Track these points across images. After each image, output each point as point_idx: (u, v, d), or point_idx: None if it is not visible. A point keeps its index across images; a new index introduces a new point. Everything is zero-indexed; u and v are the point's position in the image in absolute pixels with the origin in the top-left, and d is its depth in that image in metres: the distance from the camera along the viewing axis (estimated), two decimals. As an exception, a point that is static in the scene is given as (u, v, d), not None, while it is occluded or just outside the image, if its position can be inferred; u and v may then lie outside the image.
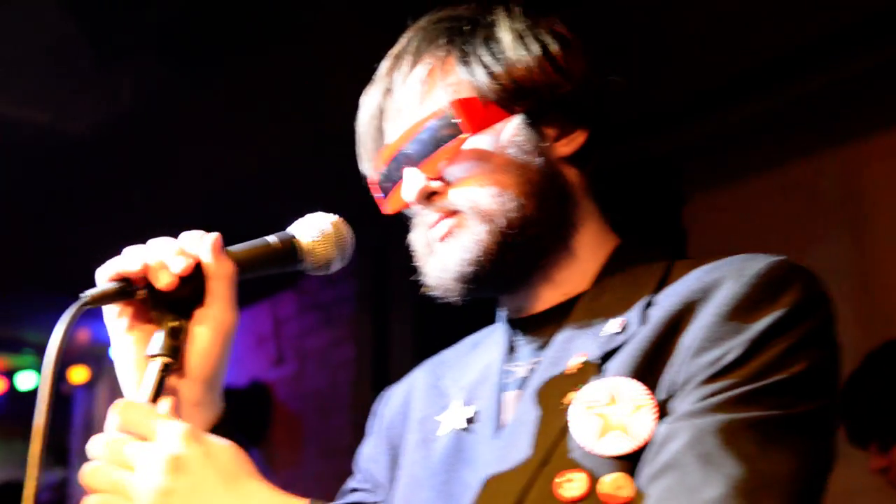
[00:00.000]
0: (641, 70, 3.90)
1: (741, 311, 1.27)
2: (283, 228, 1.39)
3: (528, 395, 1.37)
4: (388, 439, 1.62)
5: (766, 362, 1.23)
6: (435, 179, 1.44)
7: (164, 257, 1.25)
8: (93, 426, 8.63)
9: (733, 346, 1.25)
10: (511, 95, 1.44)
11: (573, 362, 1.35)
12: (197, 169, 5.10)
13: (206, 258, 1.27)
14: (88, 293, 1.21)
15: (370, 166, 1.54)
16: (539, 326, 1.47)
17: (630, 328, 1.34)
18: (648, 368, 1.28)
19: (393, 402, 1.67)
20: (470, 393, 1.49)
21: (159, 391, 1.23)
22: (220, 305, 1.28)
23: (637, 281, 1.42)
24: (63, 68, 4.43)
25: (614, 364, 1.31)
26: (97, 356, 8.30)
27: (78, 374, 8.77)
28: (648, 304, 1.36)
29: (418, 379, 1.65)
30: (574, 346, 1.38)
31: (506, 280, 1.45)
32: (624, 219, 1.59)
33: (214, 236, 1.29)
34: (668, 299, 1.34)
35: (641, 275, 1.43)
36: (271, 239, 1.35)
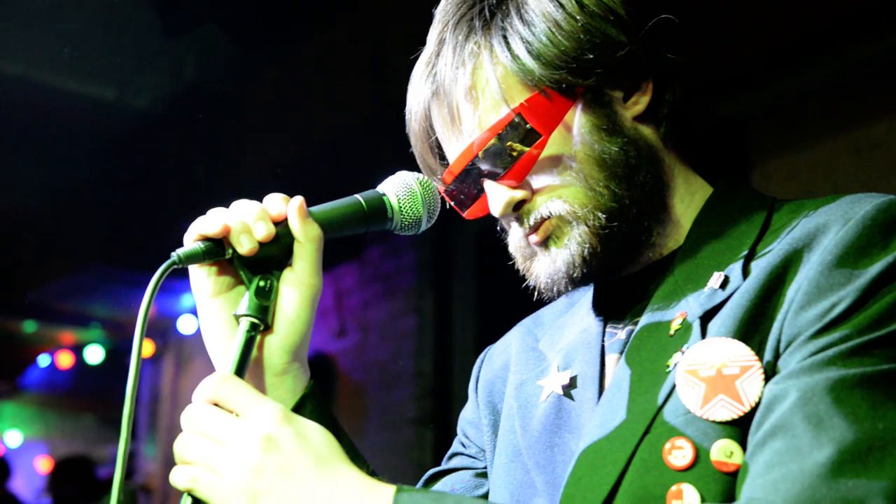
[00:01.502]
0: (709, 31, 3.85)
1: (849, 258, 1.20)
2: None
3: (629, 358, 1.33)
4: (488, 403, 1.58)
5: (879, 312, 1.16)
6: (518, 188, 1.38)
7: (247, 220, 1.24)
8: (159, 399, 8.77)
9: (842, 297, 1.18)
10: (571, 76, 1.35)
11: (674, 322, 1.31)
12: (261, 142, 5.12)
13: (293, 222, 1.27)
14: (178, 252, 1.21)
15: (432, 174, 1.47)
16: (637, 286, 1.42)
17: (731, 283, 1.29)
18: (753, 326, 1.23)
19: (491, 364, 1.63)
20: (568, 356, 1.45)
21: (247, 353, 1.22)
22: (307, 269, 1.28)
23: (736, 231, 1.36)
24: (127, 43, 4.47)
25: (716, 323, 1.26)
26: (162, 330, 8.41)
27: (144, 348, 8.87)
28: (750, 256, 1.31)
29: (515, 340, 1.60)
30: (674, 305, 1.33)
31: (617, 265, 1.41)
32: (707, 160, 1.52)
33: (299, 200, 1.29)
34: (771, 250, 1.28)
35: (740, 223, 1.37)
36: (359, 197, 1.34)
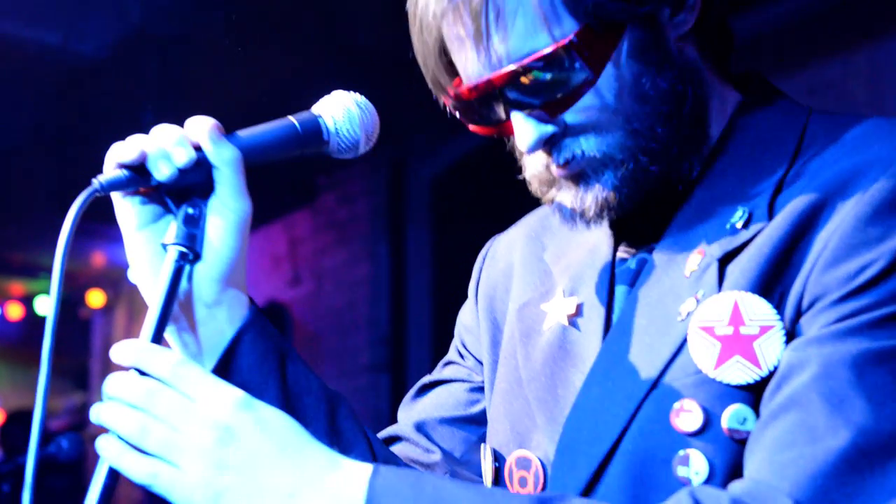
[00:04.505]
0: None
1: (886, 211, 1.08)
2: None
3: (640, 294, 1.23)
4: (488, 314, 1.46)
5: None
6: (551, 122, 1.22)
7: (165, 146, 1.16)
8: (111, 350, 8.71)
9: (875, 258, 1.07)
10: (626, 2, 1.20)
11: (690, 260, 1.20)
12: (209, 87, 5.06)
13: (204, 145, 1.17)
14: (98, 178, 1.13)
15: (440, 89, 1.30)
16: (656, 209, 1.28)
17: (755, 222, 1.17)
18: (775, 277, 1.12)
19: (494, 264, 1.50)
20: (575, 280, 1.34)
21: (175, 284, 1.16)
22: (228, 193, 1.19)
23: (764, 155, 1.23)
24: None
25: (736, 267, 1.15)
26: (114, 279, 8.34)
27: (95, 298, 8.82)
28: (777, 190, 1.18)
29: (520, 243, 1.47)
30: (692, 240, 1.22)
31: (647, 200, 1.27)
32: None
33: (210, 122, 1.19)
34: (801, 185, 1.16)
35: (769, 145, 1.24)
36: (293, 119, 1.26)
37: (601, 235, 1.34)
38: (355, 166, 5.96)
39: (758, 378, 1.10)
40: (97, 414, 1.06)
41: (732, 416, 1.11)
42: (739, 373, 1.11)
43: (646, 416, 1.15)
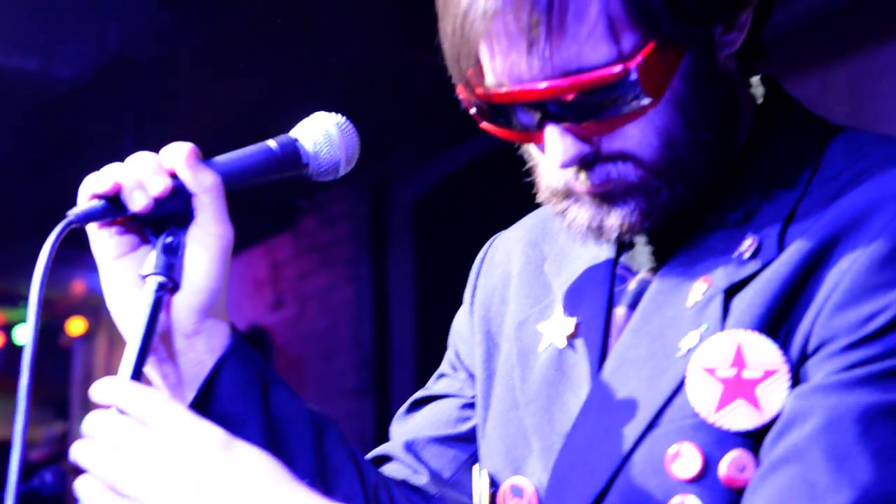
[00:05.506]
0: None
1: None
2: None
3: (640, 321, 1.18)
4: (483, 324, 1.40)
5: None
6: (589, 140, 1.14)
7: (140, 176, 1.13)
8: (92, 378, 8.65)
9: (888, 304, 1.02)
10: (696, 19, 1.11)
11: (694, 288, 1.15)
12: (188, 110, 5.05)
13: (181, 172, 1.15)
14: (74, 211, 1.12)
15: (467, 82, 1.17)
16: (662, 227, 1.20)
17: (764, 253, 1.11)
18: (782, 314, 1.07)
19: (492, 270, 1.44)
20: (574, 296, 1.28)
21: (155, 315, 1.13)
22: (209, 220, 1.16)
23: (779, 176, 1.16)
24: (49, 11, 4.36)
25: (742, 301, 1.10)
26: (95, 307, 8.29)
27: (76, 326, 8.76)
28: (789, 219, 1.12)
29: (520, 251, 1.40)
30: (697, 265, 1.16)
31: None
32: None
33: (187, 147, 1.16)
34: (814, 216, 1.10)
35: (785, 165, 1.17)
36: (271, 143, 1.24)
37: (602, 249, 1.28)
38: (336, 189, 5.95)
39: (759, 425, 1.05)
40: (76, 453, 1.02)
41: (731, 463, 1.06)
42: (741, 418, 1.06)
43: (641, 457, 1.11)
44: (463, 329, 1.46)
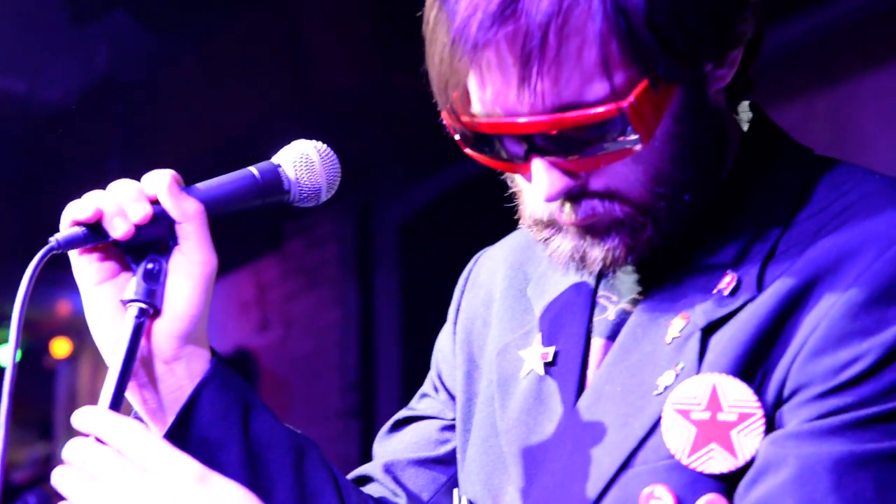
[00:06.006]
0: None
1: (882, 298, 1.02)
2: None
3: (618, 356, 1.18)
4: (465, 343, 1.40)
5: None
6: (576, 175, 1.12)
7: (121, 203, 1.14)
8: (77, 399, 8.61)
9: (865, 351, 1.01)
10: (690, 57, 1.09)
11: (673, 324, 1.14)
12: (176, 132, 5.05)
13: (163, 200, 1.15)
14: (56, 237, 1.12)
15: (453, 110, 1.13)
16: (644, 259, 1.19)
17: (743, 292, 1.10)
18: (758, 357, 1.06)
19: (475, 290, 1.43)
20: (554, 324, 1.27)
21: (136, 341, 1.14)
22: (192, 247, 1.17)
23: (762, 209, 1.15)
24: (36, 34, 4.37)
25: (719, 342, 1.09)
26: (79, 328, 8.24)
27: (60, 348, 8.73)
28: (769, 256, 1.11)
29: (503, 273, 1.39)
30: (677, 300, 1.15)
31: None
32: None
33: (168, 175, 1.16)
34: (794, 255, 1.09)
35: (768, 198, 1.16)
36: (253, 169, 1.25)
37: (584, 279, 1.27)
38: (323, 211, 5.95)
39: (734, 468, 1.05)
40: (56, 479, 1.03)
41: None
42: (715, 462, 1.06)
43: (614, 498, 1.10)
44: (446, 349, 1.45)
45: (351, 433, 5.99)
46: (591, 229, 1.15)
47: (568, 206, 1.14)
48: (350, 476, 1.43)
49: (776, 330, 1.06)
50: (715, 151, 1.17)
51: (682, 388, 1.08)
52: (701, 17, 1.07)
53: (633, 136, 1.08)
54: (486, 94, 1.09)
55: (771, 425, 1.05)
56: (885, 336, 1.01)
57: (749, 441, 1.05)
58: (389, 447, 1.45)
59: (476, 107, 1.11)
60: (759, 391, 1.06)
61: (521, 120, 1.08)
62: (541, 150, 1.10)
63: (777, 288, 1.08)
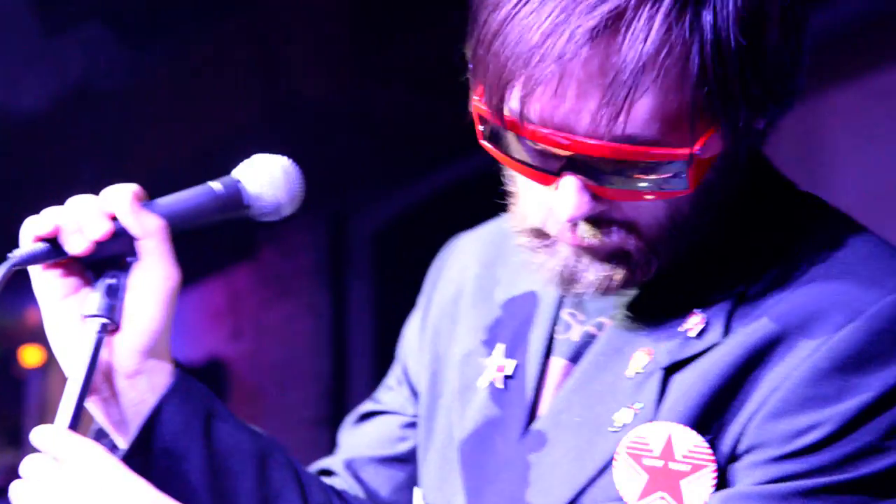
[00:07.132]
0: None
1: (846, 366, 1.01)
2: None
3: (578, 383, 1.17)
4: (432, 341, 1.39)
5: (865, 447, 1.00)
6: (602, 201, 1.09)
7: (79, 219, 1.13)
8: (47, 409, 8.55)
9: (824, 419, 1.00)
10: (752, 112, 1.06)
11: (636, 358, 1.13)
12: (150, 143, 5.04)
13: (122, 217, 1.14)
14: (15, 253, 1.11)
15: (498, 105, 1.07)
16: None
17: (709, 335, 1.09)
18: (717, 408, 1.06)
19: (446, 285, 1.41)
20: (517, 335, 1.26)
21: (96, 357, 1.15)
22: (153, 263, 1.16)
23: (741, 249, 1.14)
24: (8, 44, 4.35)
25: (680, 385, 1.08)
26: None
27: (31, 356, 8.66)
28: (740, 300, 1.10)
29: (474, 271, 1.37)
30: (642, 332, 1.14)
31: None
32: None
33: (129, 191, 1.16)
34: (764, 305, 1.08)
35: (748, 240, 1.14)
36: (213, 184, 1.24)
37: (550, 290, 1.25)
38: (296, 220, 5.90)
39: None
40: (13, 492, 1.05)
41: None
42: None
43: None
44: (413, 343, 1.45)
45: (323, 441, 5.98)
46: (590, 252, 1.12)
47: (583, 226, 1.11)
48: (314, 467, 1.46)
49: (738, 382, 1.06)
50: (734, 199, 1.16)
51: (637, 432, 1.08)
52: (779, 71, 1.06)
53: (683, 181, 1.05)
54: (549, 102, 1.04)
55: (723, 478, 1.06)
56: (845, 406, 1.00)
57: (698, 492, 1.04)
58: (353, 440, 1.48)
59: (529, 111, 1.05)
60: (714, 442, 1.06)
61: (579, 139, 1.03)
62: (579, 170, 1.06)
63: (743, 336, 1.07)
